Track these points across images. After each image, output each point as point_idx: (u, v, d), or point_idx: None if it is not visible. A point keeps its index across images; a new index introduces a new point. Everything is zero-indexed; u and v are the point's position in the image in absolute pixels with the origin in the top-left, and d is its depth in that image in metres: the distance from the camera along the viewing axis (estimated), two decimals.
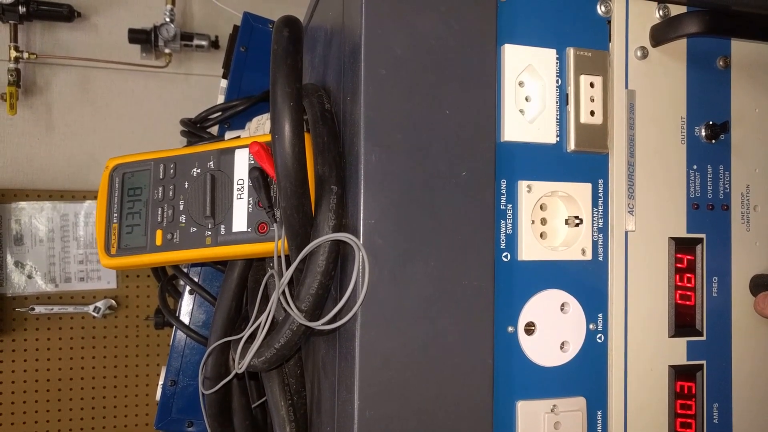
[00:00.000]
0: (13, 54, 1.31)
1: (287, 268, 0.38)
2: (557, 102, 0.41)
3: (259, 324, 0.40)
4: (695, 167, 0.44)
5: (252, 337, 0.41)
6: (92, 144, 1.44)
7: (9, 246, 1.35)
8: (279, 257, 0.40)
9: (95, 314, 1.37)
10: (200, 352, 0.70)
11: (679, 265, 0.43)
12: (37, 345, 1.35)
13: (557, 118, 0.41)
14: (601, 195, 0.42)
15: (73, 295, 1.38)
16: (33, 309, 1.34)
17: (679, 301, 0.43)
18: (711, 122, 0.44)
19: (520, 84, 0.41)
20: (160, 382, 0.70)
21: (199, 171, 0.46)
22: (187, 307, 0.70)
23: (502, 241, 0.40)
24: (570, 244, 0.41)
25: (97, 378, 1.39)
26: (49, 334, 1.36)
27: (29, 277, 1.36)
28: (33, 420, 1.35)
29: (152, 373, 1.42)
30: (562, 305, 0.41)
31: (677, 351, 0.43)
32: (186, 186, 0.46)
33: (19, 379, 1.34)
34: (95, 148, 1.44)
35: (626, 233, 0.42)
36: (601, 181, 0.42)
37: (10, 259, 1.35)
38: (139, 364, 1.42)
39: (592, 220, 0.42)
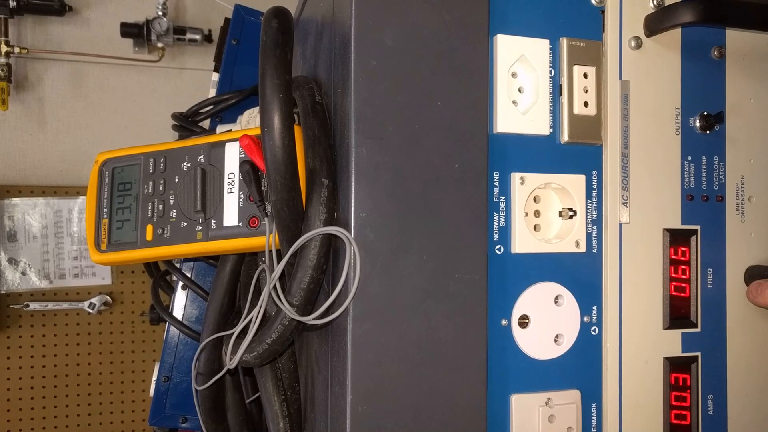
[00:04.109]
0: (4, 49, 1.30)
1: (279, 263, 0.38)
2: (550, 93, 0.41)
3: (251, 319, 0.40)
4: (690, 158, 0.43)
5: (244, 332, 0.41)
6: (85, 139, 1.43)
7: (2, 243, 1.34)
8: (270, 252, 0.39)
9: (90, 310, 1.36)
10: (193, 347, 0.69)
11: (673, 257, 0.43)
12: (32, 342, 1.35)
13: (550, 109, 0.41)
14: (595, 186, 0.42)
15: (68, 291, 1.38)
16: (27, 306, 1.33)
17: (673, 293, 0.42)
18: (705, 113, 0.43)
19: (513, 75, 0.40)
20: (154, 378, 0.70)
21: (189, 165, 0.46)
22: (180, 303, 0.70)
23: (495, 233, 0.39)
24: (564, 237, 0.41)
25: (93, 374, 1.39)
26: (44, 331, 1.35)
27: (23, 273, 1.35)
28: (29, 416, 1.35)
29: (147, 368, 1.42)
30: (556, 298, 0.40)
31: (672, 343, 0.42)
32: (176, 180, 0.46)
33: (15, 376, 1.34)
34: (88, 143, 1.43)
35: (620, 225, 0.41)
36: (594, 172, 0.42)
37: (3, 256, 1.34)
38: (134, 360, 1.41)
39: (586, 212, 0.41)
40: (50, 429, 1.36)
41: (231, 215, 0.43)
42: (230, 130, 0.56)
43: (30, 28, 1.38)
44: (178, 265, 0.68)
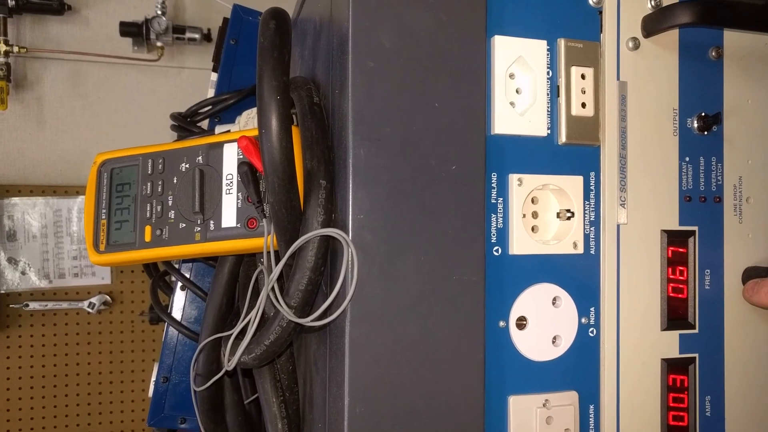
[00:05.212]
0: (3, 48, 1.30)
1: (277, 264, 0.38)
2: (548, 94, 0.41)
3: (249, 320, 0.40)
4: (687, 159, 0.43)
5: (242, 333, 0.41)
6: (84, 138, 1.43)
7: (2, 242, 1.34)
8: (268, 253, 0.39)
9: (90, 310, 1.36)
10: (192, 348, 0.69)
11: (671, 258, 0.43)
12: (32, 341, 1.35)
13: (548, 111, 0.41)
14: (592, 188, 0.42)
15: (68, 290, 1.38)
16: (27, 305, 1.33)
17: (671, 294, 0.42)
18: (703, 114, 0.43)
19: (511, 76, 0.40)
20: (153, 378, 0.70)
21: (187, 166, 0.46)
22: (179, 303, 0.70)
23: (493, 235, 0.39)
24: (561, 238, 0.41)
25: (92, 374, 1.39)
26: (43, 330, 1.36)
27: (23, 273, 1.35)
28: (28, 416, 1.35)
29: (147, 368, 1.42)
30: (554, 299, 0.40)
31: (669, 344, 0.42)
32: (175, 181, 0.46)
33: (14, 376, 1.34)
34: (87, 142, 1.43)
35: (618, 226, 0.41)
36: (592, 173, 0.42)
37: (3, 256, 1.34)
38: (134, 360, 1.42)
39: (584, 214, 0.41)
40: (50, 429, 1.36)
41: (229, 216, 0.43)
42: (229, 131, 0.56)
43: (29, 27, 1.38)
44: (177, 266, 0.68)
